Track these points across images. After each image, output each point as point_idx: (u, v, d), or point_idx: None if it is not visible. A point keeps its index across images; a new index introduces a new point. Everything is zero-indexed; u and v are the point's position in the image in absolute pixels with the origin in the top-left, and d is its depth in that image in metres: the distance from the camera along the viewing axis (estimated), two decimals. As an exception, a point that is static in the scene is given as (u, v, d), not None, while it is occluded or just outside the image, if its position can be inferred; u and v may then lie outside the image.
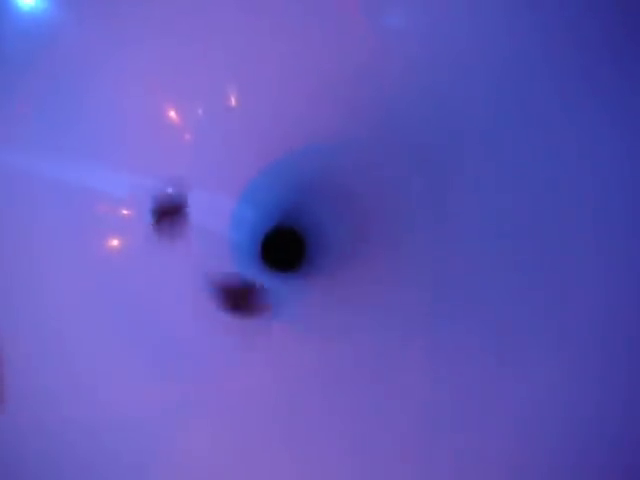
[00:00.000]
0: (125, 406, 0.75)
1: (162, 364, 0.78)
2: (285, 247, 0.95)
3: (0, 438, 0.71)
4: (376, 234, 0.88)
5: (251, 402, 0.78)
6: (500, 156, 0.80)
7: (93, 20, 0.77)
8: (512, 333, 0.76)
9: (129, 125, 0.81)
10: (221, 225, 0.88)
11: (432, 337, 0.79)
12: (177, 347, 0.80)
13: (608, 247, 0.73)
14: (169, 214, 0.82)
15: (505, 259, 0.79)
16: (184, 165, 0.85)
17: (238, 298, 0.83)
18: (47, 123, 0.78)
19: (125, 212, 0.82)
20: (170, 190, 0.82)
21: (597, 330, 0.72)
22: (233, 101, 0.85)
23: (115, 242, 0.81)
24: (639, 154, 0.73)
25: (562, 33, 0.74)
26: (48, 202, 0.78)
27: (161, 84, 0.82)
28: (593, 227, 0.74)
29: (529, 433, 0.73)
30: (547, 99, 0.76)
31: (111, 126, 0.80)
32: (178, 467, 0.75)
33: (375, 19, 0.81)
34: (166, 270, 0.82)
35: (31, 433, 0.72)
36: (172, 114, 0.84)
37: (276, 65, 0.83)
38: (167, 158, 0.84)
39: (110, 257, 0.81)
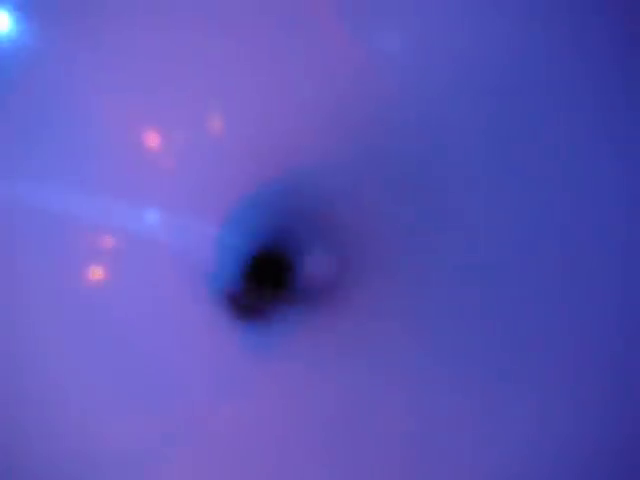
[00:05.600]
0: (110, 440, 0.74)
1: (147, 397, 0.77)
2: (270, 273, 0.94)
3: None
4: (362, 262, 0.87)
5: (237, 436, 0.77)
6: (495, 190, 0.78)
7: (73, 45, 0.75)
8: (497, 370, 0.75)
9: (110, 151, 0.79)
10: (205, 251, 0.87)
11: (415, 371, 0.78)
12: (162, 379, 0.78)
13: (605, 293, 0.72)
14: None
15: (493, 295, 0.78)
16: (167, 191, 0.83)
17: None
18: (26, 150, 0.76)
19: (107, 240, 0.80)
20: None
21: (581, 378, 0.72)
22: (217, 125, 0.83)
23: (97, 271, 0.80)
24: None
25: (568, 61, 0.72)
26: (27, 230, 0.76)
27: (142, 110, 0.80)
28: (591, 267, 0.73)
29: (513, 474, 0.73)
30: (549, 133, 0.74)
31: (92, 152, 0.78)
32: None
33: (364, 42, 0.79)
34: (150, 299, 0.81)
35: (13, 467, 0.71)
36: (154, 140, 0.82)
37: (260, 89, 0.81)
38: (150, 184, 0.82)
39: (93, 287, 0.80)
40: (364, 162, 0.84)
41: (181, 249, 0.83)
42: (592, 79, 0.74)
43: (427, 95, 0.79)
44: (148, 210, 0.82)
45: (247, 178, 0.85)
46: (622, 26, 0.72)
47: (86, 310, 0.77)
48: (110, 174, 0.79)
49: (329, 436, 0.76)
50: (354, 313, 0.84)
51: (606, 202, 0.74)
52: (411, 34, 0.79)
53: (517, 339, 0.76)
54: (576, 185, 0.76)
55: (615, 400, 0.70)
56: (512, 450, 0.73)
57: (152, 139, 0.81)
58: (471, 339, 0.78)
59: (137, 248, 0.80)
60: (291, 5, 0.77)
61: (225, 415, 0.78)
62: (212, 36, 0.78)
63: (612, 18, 0.71)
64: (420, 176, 0.82)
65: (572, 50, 0.73)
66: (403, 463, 0.74)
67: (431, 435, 0.75)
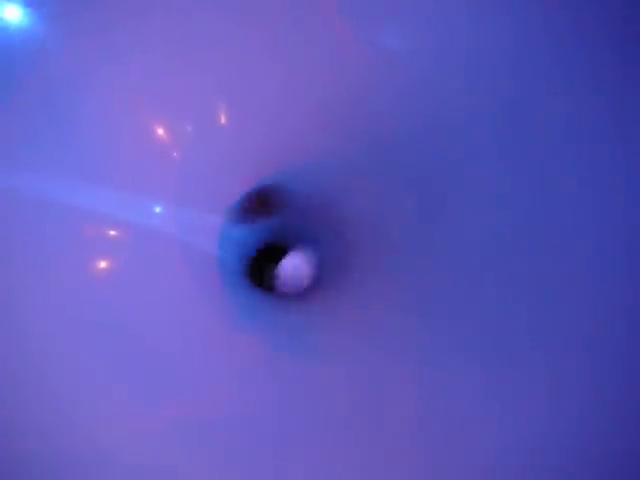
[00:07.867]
0: (110, 436, 0.73)
1: (149, 390, 0.77)
2: (273, 266, 0.94)
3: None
4: (366, 256, 0.87)
5: (239, 427, 0.76)
6: (497, 183, 0.79)
7: (81, 37, 0.76)
8: (499, 364, 0.76)
9: (117, 143, 0.80)
10: (209, 244, 0.87)
11: (418, 365, 0.78)
12: (169, 374, 0.78)
13: (606, 280, 0.72)
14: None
15: (495, 288, 0.78)
16: (173, 183, 0.84)
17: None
18: (33, 141, 0.76)
19: (112, 232, 0.81)
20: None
21: (586, 364, 0.72)
22: (223, 119, 0.84)
23: (100, 264, 0.80)
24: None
25: (569, 64, 0.73)
26: (29, 225, 0.76)
27: (150, 101, 0.80)
28: (591, 257, 0.74)
29: (512, 466, 0.73)
30: (554, 132, 0.75)
31: (99, 144, 0.78)
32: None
33: (372, 39, 0.80)
34: (153, 292, 0.80)
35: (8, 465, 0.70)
36: (161, 132, 0.82)
37: (268, 83, 0.81)
38: (156, 176, 0.83)
39: (95, 279, 0.80)
40: (370, 160, 0.85)
41: (186, 241, 0.83)
42: (596, 77, 0.74)
43: (430, 95, 0.80)
44: (154, 202, 0.82)
45: (253, 172, 0.86)
46: (624, 23, 0.73)
47: (89, 304, 0.76)
48: (117, 167, 0.80)
49: (337, 430, 0.76)
50: (355, 305, 0.85)
51: (609, 199, 0.75)
52: (416, 33, 0.80)
53: (513, 339, 0.76)
54: (579, 185, 0.76)
55: (631, 382, 0.70)
56: (520, 433, 0.73)
57: (159, 133, 0.82)
58: (471, 330, 0.78)
59: (143, 240, 0.81)
60: (298, 4, 0.77)
61: (229, 412, 0.78)
62: (219, 34, 0.78)
63: (614, 14, 0.72)
64: (422, 175, 0.83)
65: (576, 48, 0.74)
66: (411, 447, 0.74)
67: (430, 426, 0.75)
